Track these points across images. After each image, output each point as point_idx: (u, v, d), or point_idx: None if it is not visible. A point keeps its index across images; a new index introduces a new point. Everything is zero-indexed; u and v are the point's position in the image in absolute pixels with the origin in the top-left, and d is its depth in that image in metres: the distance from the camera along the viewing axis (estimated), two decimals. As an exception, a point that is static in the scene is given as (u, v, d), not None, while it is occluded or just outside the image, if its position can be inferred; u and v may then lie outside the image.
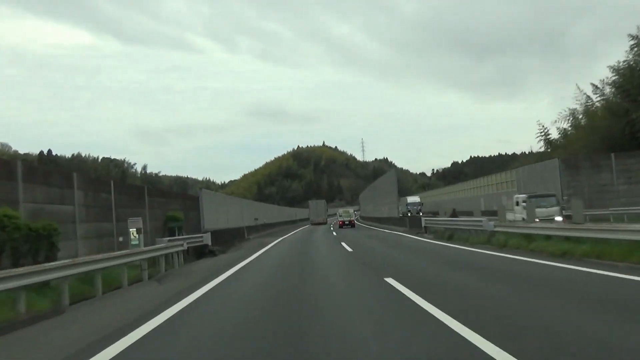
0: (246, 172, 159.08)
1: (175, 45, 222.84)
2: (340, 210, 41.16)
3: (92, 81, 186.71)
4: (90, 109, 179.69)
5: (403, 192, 62.86)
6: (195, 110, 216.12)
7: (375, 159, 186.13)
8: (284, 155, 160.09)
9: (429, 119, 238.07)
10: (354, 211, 43.56)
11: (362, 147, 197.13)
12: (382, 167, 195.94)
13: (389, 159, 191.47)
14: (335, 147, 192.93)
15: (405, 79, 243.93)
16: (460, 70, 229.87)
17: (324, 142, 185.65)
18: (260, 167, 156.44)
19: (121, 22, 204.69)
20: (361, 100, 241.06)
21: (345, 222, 36.39)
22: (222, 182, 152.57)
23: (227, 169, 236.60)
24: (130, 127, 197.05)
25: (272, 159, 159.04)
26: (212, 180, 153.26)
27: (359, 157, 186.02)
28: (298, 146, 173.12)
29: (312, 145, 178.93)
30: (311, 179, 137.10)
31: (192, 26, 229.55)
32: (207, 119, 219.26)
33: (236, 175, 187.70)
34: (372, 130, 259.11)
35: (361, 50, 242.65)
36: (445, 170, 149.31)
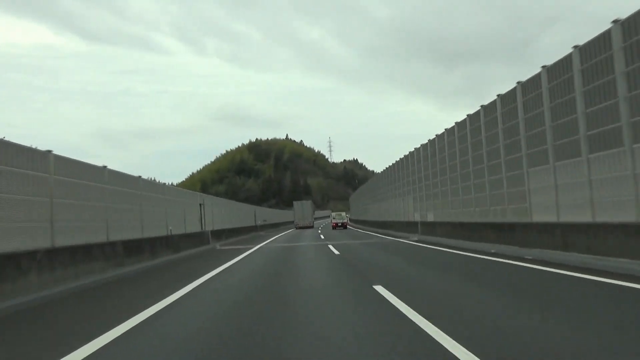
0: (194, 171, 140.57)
1: (141, 46, 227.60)
2: (334, 214, 47.26)
3: (51, 82, 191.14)
4: (49, 111, 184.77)
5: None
6: (159, 114, 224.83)
7: (345, 160, 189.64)
8: (238, 148, 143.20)
9: (395, 126, 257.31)
10: (345, 214, 49.10)
11: (330, 146, 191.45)
12: (353, 168, 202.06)
13: (359, 161, 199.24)
14: (301, 141, 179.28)
15: (374, 85, 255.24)
16: (429, 78, 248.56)
17: (287, 135, 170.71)
18: (209, 164, 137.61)
19: (84, 19, 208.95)
20: (329, 106, 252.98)
21: (338, 224, 41.88)
22: (171, 183, 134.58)
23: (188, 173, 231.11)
24: (90, 130, 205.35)
25: (224, 152, 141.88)
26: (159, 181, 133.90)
27: (327, 157, 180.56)
28: (257, 138, 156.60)
29: (274, 137, 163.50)
30: (271, 176, 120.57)
31: (159, 26, 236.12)
32: (171, 123, 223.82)
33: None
34: (340, 135, 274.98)
35: (331, 55, 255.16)
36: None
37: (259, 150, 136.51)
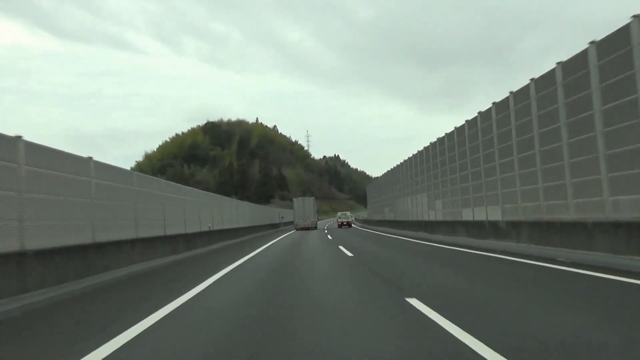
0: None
1: (116, 45, 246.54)
2: (339, 214, 60.75)
3: (20, 83, 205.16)
4: (18, 113, 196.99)
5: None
6: (132, 116, 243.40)
7: (325, 156, 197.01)
8: (191, 131, 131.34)
9: (374, 130, 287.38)
10: (350, 214, 63.22)
11: (308, 139, 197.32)
12: (335, 164, 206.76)
13: (341, 157, 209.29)
14: (275, 127, 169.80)
15: (353, 87, 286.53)
16: (409, 80, 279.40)
17: (257, 119, 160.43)
18: (153, 152, 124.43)
19: (59, 17, 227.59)
20: (308, 109, 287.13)
21: (344, 223, 55.34)
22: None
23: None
24: (60, 131, 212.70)
25: (173, 135, 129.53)
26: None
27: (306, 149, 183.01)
28: (219, 119, 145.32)
29: (240, 118, 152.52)
30: (232, 164, 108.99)
31: (137, 25, 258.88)
32: (144, 125, 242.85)
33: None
34: (318, 138, 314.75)
35: (311, 56, 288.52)
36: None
37: (217, 133, 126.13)
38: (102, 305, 7.29)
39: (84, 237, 10.60)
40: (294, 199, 53.75)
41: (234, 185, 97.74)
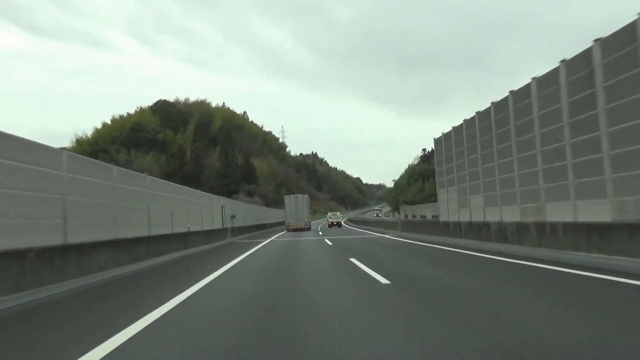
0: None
1: (91, 44, 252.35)
2: (330, 214, 71.47)
3: None
4: None
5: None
6: (106, 116, 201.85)
7: (302, 154, 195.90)
8: (138, 111, 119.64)
9: (351, 133, 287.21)
10: (340, 214, 73.75)
11: (283, 134, 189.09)
12: (314, 161, 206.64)
13: (320, 155, 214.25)
14: (244, 113, 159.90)
15: (331, 89, 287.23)
16: (386, 84, 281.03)
17: (224, 104, 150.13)
18: (86, 137, 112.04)
19: (31, 13, 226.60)
20: (285, 111, 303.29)
21: (334, 223, 63.17)
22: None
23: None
24: (30, 133, 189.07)
25: (117, 116, 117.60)
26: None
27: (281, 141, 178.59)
28: (176, 98, 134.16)
29: (201, 99, 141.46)
30: (183, 149, 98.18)
31: (113, 23, 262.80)
32: None
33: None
34: (294, 139, 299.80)
35: (290, 58, 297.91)
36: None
37: (170, 114, 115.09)
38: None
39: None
40: (285, 197, 54.50)
41: (186, 176, 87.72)
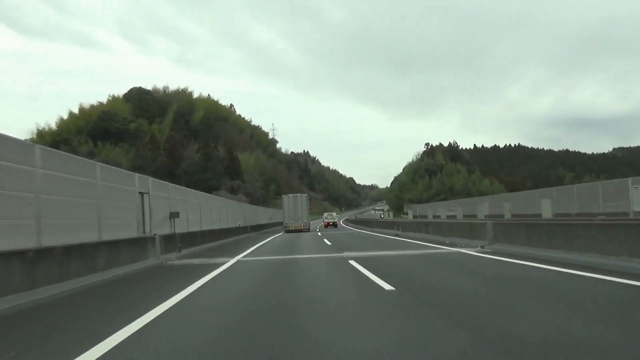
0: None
1: (80, 43, 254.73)
2: (326, 214, 76.36)
3: None
4: None
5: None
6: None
7: (293, 152, 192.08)
8: (110, 100, 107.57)
9: (343, 134, 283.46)
10: (336, 214, 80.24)
11: (273, 132, 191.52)
12: (306, 160, 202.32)
13: (312, 154, 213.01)
14: (231, 105, 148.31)
15: (324, 90, 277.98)
16: (378, 85, 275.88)
17: (209, 95, 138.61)
18: (51, 129, 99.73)
19: (20, 11, 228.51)
20: (276, 111, 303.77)
21: (330, 223, 66.52)
22: None
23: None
24: (19, 133, 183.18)
25: (87, 106, 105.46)
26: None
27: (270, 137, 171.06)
28: (153, 86, 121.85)
29: (181, 88, 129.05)
30: (155, 140, 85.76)
31: (104, 22, 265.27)
32: None
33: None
34: (285, 139, 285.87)
35: (281, 59, 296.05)
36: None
37: (145, 102, 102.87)
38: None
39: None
40: (283, 196, 53.56)
41: (160, 170, 75.68)
